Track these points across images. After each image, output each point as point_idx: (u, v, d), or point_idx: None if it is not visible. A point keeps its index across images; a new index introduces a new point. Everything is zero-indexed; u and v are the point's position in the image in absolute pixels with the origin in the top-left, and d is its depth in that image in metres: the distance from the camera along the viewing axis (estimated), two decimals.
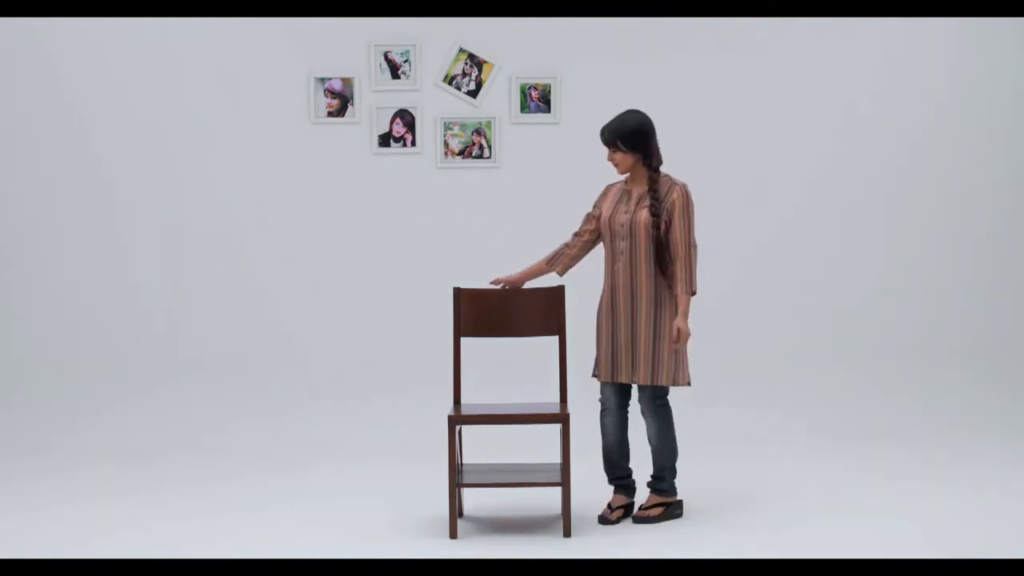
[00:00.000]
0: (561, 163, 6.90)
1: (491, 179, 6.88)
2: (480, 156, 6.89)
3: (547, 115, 6.89)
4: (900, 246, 7.09)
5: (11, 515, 5.05)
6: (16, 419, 6.64)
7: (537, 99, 6.90)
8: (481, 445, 5.30)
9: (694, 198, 4.78)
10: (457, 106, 6.88)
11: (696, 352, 6.76)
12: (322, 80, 6.84)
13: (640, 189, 4.80)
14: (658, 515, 4.83)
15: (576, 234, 4.96)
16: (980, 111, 7.08)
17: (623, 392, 4.89)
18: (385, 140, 6.88)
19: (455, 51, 6.87)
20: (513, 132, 6.90)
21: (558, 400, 5.02)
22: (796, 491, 5.34)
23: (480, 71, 6.87)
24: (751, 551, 4.40)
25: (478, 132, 6.88)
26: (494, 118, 6.88)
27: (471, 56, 6.87)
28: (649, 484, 4.93)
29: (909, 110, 7.05)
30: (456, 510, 4.69)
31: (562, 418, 4.68)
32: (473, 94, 6.88)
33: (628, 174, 4.85)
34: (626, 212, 4.77)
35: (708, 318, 6.91)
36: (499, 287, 5.00)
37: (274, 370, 6.82)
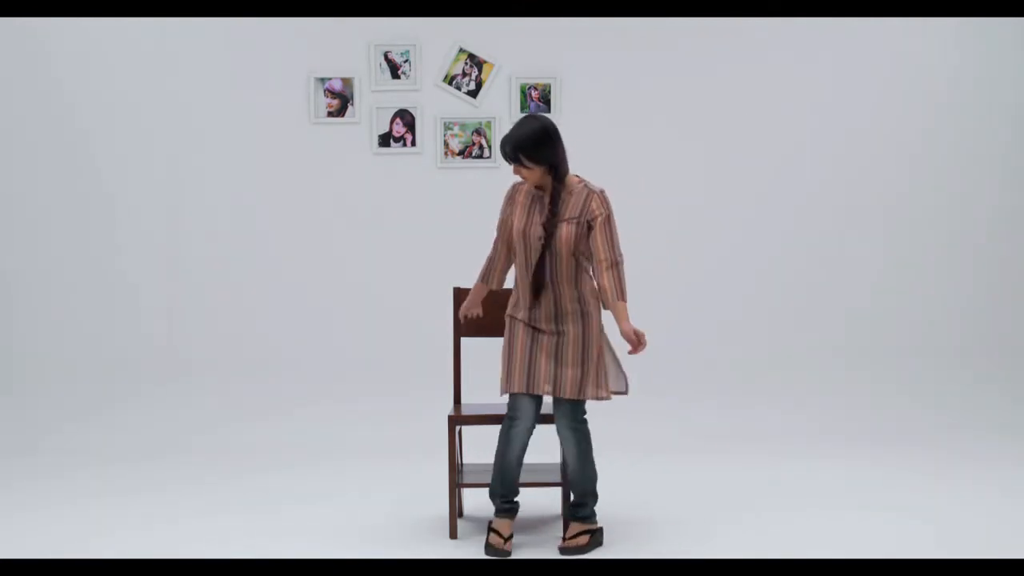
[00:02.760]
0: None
1: (491, 179, 6.86)
2: (480, 156, 6.89)
3: (547, 115, 6.89)
4: (902, 247, 7.08)
5: (11, 515, 5.05)
6: (16, 419, 6.64)
7: (537, 99, 6.89)
8: (481, 445, 5.30)
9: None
10: (457, 106, 6.88)
11: (705, 353, 6.82)
12: (322, 80, 6.84)
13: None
14: (586, 543, 4.47)
15: (495, 244, 4.68)
16: (981, 111, 7.07)
17: (538, 405, 4.50)
18: (385, 140, 6.88)
19: (455, 51, 6.87)
20: None
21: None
22: (798, 490, 5.34)
23: (480, 71, 6.87)
24: (753, 551, 4.40)
25: (478, 132, 6.88)
26: (494, 118, 6.88)
27: (471, 56, 6.87)
28: (570, 512, 4.55)
29: (911, 110, 7.03)
30: (456, 510, 4.70)
31: None
32: (473, 94, 6.88)
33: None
34: (540, 224, 4.41)
35: (713, 318, 6.94)
36: (471, 317, 4.77)
37: (274, 370, 6.82)
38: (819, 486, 5.43)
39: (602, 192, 4.46)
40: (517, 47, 6.86)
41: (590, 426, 4.57)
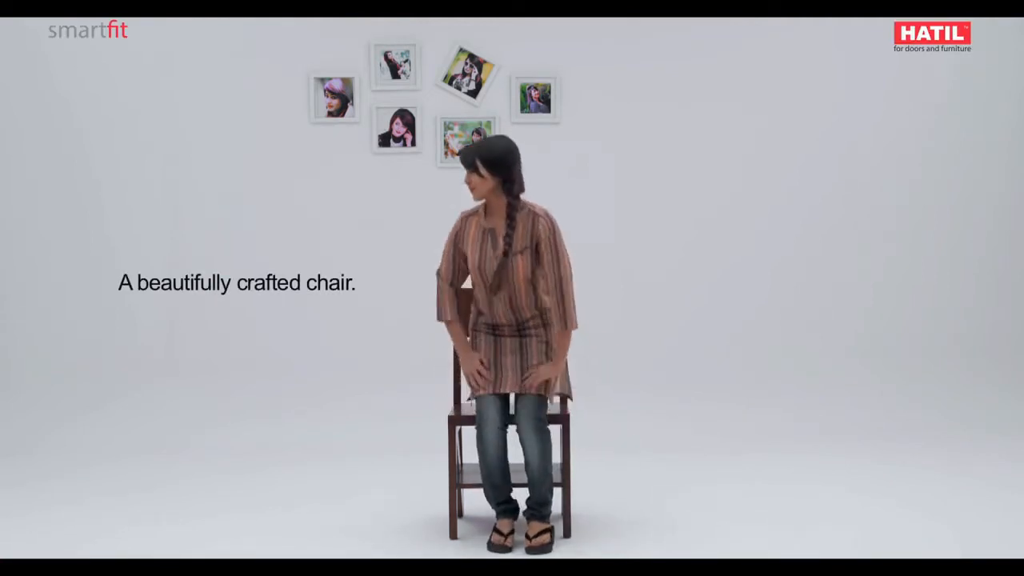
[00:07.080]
0: (561, 163, 6.90)
1: None
2: None
3: (547, 115, 6.89)
4: (908, 247, 7.06)
5: (10, 515, 5.05)
6: (15, 419, 6.64)
7: (537, 99, 6.89)
8: None
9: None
10: (457, 106, 6.88)
11: (718, 354, 6.82)
12: (322, 80, 6.84)
13: (501, 224, 4.51)
14: (549, 541, 4.49)
15: (450, 284, 4.68)
16: (985, 114, 7.05)
17: (505, 404, 4.57)
18: (385, 140, 6.88)
19: (455, 51, 6.87)
20: (513, 132, 6.88)
21: (558, 400, 5.01)
22: (801, 489, 5.34)
23: (480, 71, 6.87)
24: (755, 550, 4.40)
25: (478, 132, 6.88)
26: (494, 118, 6.88)
27: (471, 56, 6.87)
28: (531, 513, 4.55)
29: (917, 110, 7.01)
30: (456, 510, 4.70)
31: (562, 418, 4.67)
32: (473, 94, 6.88)
33: (483, 205, 4.58)
34: (495, 258, 4.49)
35: (724, 321, 6.94)
36: (481, 368, 4.60)
37: (273, 370, 6.82)
38: (824, 485, 5.42)
39: (546, 213, 4.54)
40: (517, 47, 6.86)
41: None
